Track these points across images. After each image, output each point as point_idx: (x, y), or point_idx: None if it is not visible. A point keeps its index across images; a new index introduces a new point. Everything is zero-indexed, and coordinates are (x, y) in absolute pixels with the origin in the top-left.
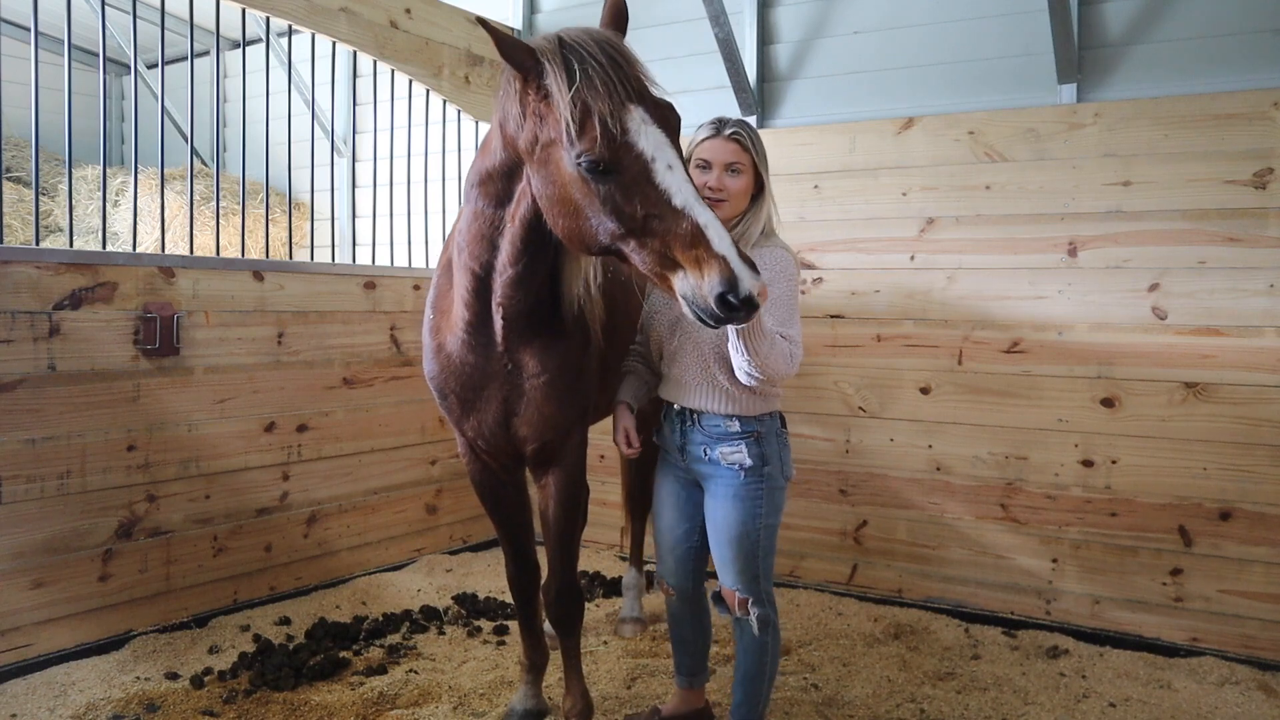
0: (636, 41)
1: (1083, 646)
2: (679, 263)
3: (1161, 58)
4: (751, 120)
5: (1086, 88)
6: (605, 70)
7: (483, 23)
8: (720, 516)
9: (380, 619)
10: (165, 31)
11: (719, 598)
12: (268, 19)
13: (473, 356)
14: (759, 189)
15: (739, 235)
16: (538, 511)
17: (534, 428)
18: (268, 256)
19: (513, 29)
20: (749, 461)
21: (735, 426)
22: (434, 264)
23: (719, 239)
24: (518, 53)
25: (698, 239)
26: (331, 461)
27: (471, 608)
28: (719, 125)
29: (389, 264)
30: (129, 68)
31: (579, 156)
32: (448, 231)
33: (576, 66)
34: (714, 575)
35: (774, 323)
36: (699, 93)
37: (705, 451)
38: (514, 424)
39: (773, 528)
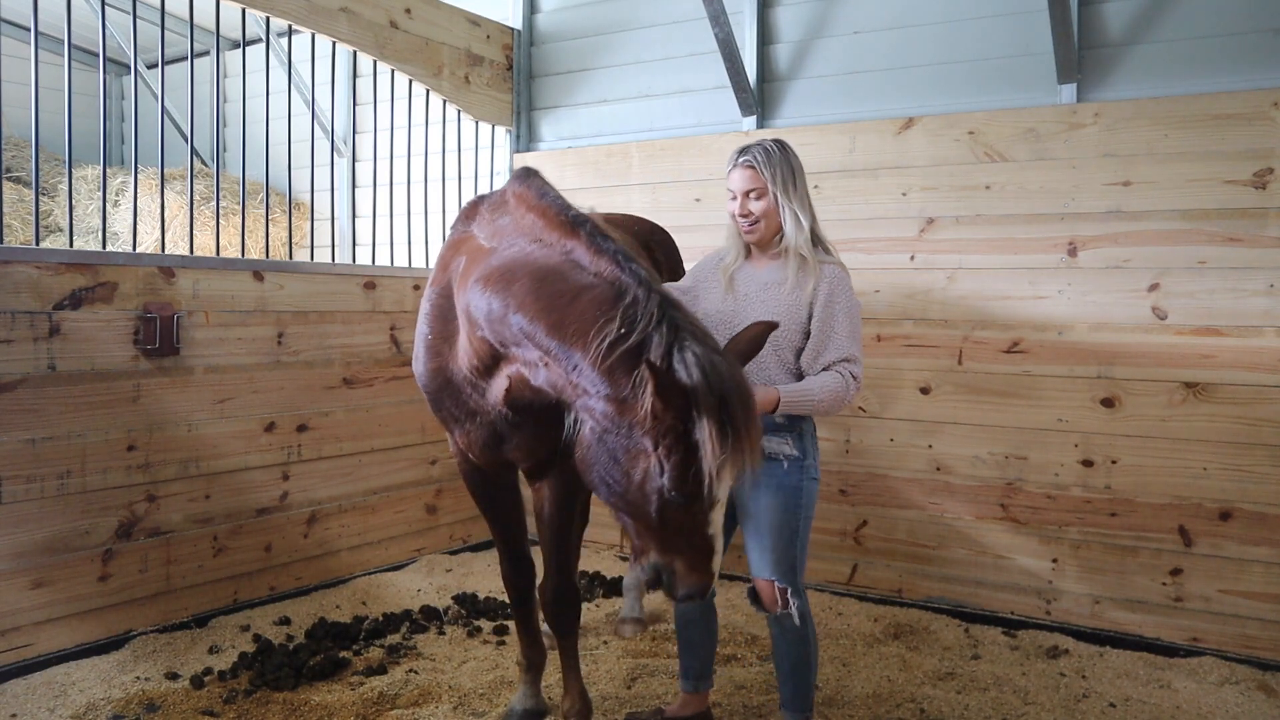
0: (636, 41)
1: (1083, 646)
2: (667, 551)
3: (1161, 58)
4: (751, 121)
5: (1086, 88)
6: (740, 450)
7: (649, 364)
8: (762, 507)
9: (380, 619)
10: (165, 31)
11: (754, 594)
12: (268, 19)
13: (473, 392)
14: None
15: (781, 249)
16: (533, 511)
17: (526, 453)
18: (268, 256)
19: (513, 29)
20: (794, 453)
21: (783, 420)
22: (435, 264)
23: (706, 563)
24: (677, 397)
25: (695, 559)
26: (331, 461)
27: (471, 608)
28: (736, 154)
29: (389, 264)
30: (129, 68)
31: (669, 491)
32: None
33: (723, 449)
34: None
35: (835, 351)
36: (699, 93)
37: None
38: (504, 448)
39: (809, 520)
